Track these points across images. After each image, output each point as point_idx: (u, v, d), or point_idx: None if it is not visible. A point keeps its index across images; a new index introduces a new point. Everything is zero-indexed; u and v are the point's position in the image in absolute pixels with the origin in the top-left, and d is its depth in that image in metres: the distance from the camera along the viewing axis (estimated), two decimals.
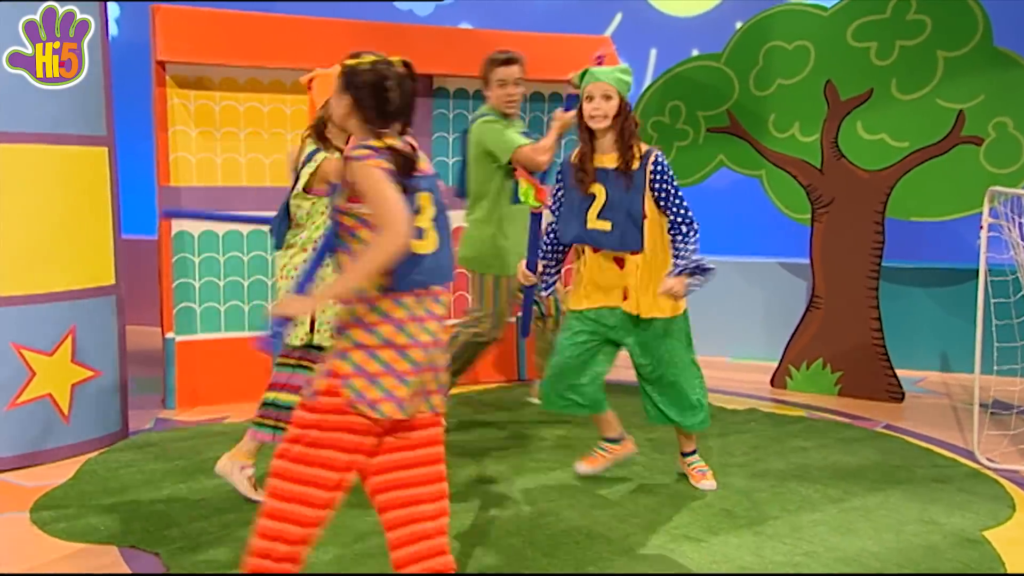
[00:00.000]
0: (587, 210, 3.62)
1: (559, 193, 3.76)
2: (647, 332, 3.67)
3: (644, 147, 3.64)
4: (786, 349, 5.83)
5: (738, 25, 5.94)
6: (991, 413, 4.62)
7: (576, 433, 4.66)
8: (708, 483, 3.88)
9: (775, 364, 5.88)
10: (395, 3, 8.39)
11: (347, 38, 5.42)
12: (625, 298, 3.64)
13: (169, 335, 5.14)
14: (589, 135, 3.62)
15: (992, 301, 4.45)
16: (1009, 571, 3.11)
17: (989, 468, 4.21)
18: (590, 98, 3.58)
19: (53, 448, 4.19)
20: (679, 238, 3.58)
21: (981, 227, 4.36)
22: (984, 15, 5.20)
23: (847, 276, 5.57)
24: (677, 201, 3.59)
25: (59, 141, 4.14)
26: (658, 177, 3.58)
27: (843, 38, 5.47)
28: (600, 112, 3.56)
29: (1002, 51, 5.21)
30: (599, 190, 3.60)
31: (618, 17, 7.94)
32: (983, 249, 4.34)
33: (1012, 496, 3.85)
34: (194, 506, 3.62)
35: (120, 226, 4.49)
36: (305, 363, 3.60)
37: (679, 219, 3.58)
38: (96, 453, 4.31)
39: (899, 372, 5.53)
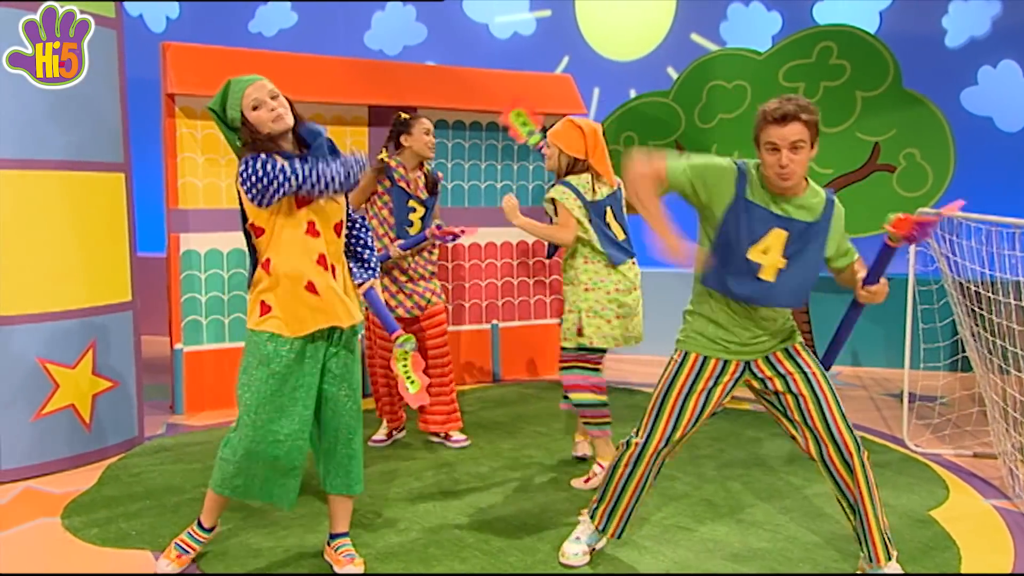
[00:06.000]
0: None
1: None
2: None
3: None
4: None
5: (669, 70, 5.86)
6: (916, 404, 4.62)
7: (552, 433, 4.48)
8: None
9: None
10: (366, 43, 8.15)
11: (339, 74, 5.18)
12: None
13: (178, 346, 4.79)
14: None
15: (920, 307, 4.45)
16: (959, 546, 3.05)
17: (917, 453, 4.19)
18: None
19: (76, 455, 3.85)
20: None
21: None
22: (895, 61, 5.25)
23: None
24: None
25: (81, 168, 3.82)
26: None
27: (776, 79, 5.45)
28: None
29: (910, 92, 5.27)
30: None
31: (565, 59, 7.83)
32: (912, 261, 4.33)
33: (943, 478, 3.83)
34: None
35: (136, 246, 4.16)
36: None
37: None
38: (116, 458, 3.98)
39: None
